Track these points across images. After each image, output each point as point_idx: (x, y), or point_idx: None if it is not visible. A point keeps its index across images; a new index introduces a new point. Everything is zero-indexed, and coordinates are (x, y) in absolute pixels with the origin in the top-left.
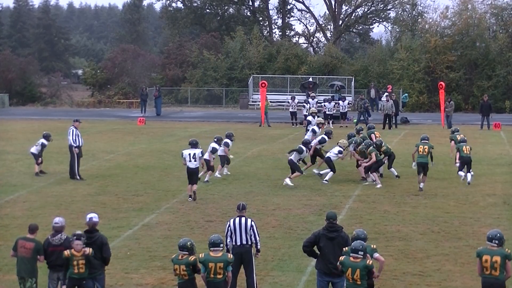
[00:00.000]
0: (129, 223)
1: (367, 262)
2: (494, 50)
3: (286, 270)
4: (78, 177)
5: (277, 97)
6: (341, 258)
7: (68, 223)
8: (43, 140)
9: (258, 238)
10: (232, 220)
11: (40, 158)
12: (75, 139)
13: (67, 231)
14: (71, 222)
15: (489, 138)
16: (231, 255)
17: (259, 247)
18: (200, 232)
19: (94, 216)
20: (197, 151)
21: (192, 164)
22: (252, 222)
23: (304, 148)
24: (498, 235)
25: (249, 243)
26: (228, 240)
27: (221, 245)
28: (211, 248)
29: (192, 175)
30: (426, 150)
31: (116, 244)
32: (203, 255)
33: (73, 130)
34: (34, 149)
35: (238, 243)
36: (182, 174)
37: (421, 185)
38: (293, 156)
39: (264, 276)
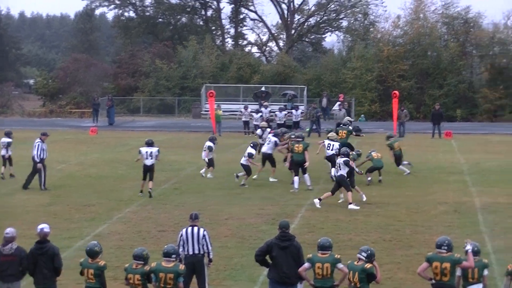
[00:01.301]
0: (81, 234)
1: (366, 266)
2: (445, 59)
3: (239, 280)
4: (44, 188)
5: (230, 106)
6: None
7: (19, 234)
8: (5, 139)
9: (210, 248)
10: (184, 230)
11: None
12: (40, 153)
13: (18, 241)
14: (22, 233)
15: (440, 147)
16: (183, 266)
17: (211, 256)
18: (152, 242)
19: (45, 226)
20: (154, 149)
21: (148, 162)
22: (205, 232)
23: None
24: (447, 241)
25: (202, 252)
26: (180, 250)
27: (173, 256)
28: (163, 258)
29: (148, 172)
30: (380, 154)
31: (68, 254)
32: (155, 264)
33: (39, 144)
34: (3, 152)
35: (191, 253)
36: (134, 184)
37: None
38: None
39: (216, 285)
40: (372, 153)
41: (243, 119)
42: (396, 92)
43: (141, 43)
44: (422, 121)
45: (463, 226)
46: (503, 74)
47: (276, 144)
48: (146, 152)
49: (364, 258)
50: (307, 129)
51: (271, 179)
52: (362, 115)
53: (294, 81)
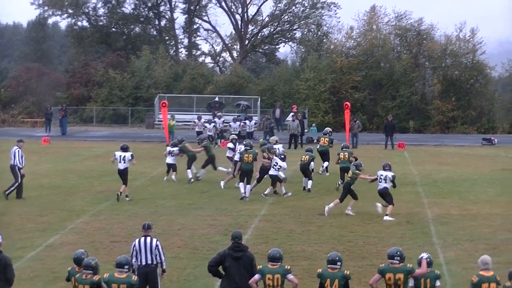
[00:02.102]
0: (33, 244)
1: (345, 272)
2: (398, 71)
3: None
4: (6, 195)
5: (183, 116)
6: (319, 270)
7: None
8: None
9: (163, 258)
10: (137, 240)
11: None
12: (20, 160)
13: None
14: None
15: (393, 158)
16: (136, 277)
17: (164, 267)
18: (105, 253)
19: None
20: (127, 154)
21: (121, 166)
22: (158, 242)
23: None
24: (399, 252)
25: (155, 263)
26: (133, 260)
27: (126, 266)
28: (116, 269)
29: (121, 176)
30: (347, 156)
31: (19, 265)
32: (107, 275)
33: (18, 150)
34: None
35: (144, 263)
36: (86, 194)
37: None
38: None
39: None
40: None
41: (197, 129)
42: (348, 103)
43: (94, 52)
44: (375, 132)
45: (415, 237)
46: (455, 86)
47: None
48: (120, 156)
49: (339, 266)
50: (261, 140)
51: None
52: (313, 124)
53: (248, 92)
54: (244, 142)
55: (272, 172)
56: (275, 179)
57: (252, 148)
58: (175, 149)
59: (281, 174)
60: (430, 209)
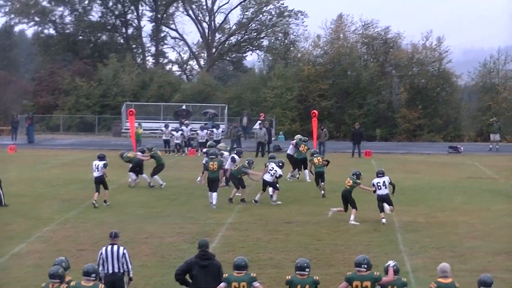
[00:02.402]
0: None
1: (315, 277)
2: (365, 79)
3: None
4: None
5: (150, 124)
6: (288, 277)
7: None
8: None
9: (130, 266)
10: (104, 248)
11: None
12: None
13: None
14: None
15: (360, 166)
16: (103, 285)
17: (131, 275)
18: (72, 261)
19: None
20: (101, 163)
21: (96, 174)
22: (125, 250)
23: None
24: (366, 260)
25: (121, 271)
26: (100, 269)
27: (93, 275)
28: (83, 277)
29: (98, 184)
30: (321, 160)
31: None
32: (74, 283)
33: None
34: None
35: (110, 271)
36: (53, 203)
37: (322, 192)
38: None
39: None
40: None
41: (164, 137)
42: (315, 111)
43: (61, 60)
44: (342, 141)
45: (382, 245)
46: (421, 94)
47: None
48: (95, 164)
49: (308, 272)
50: (228, 148)
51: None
52: (281, 132)
53: (215, 100)
54: (209, 151)
55: (267, 177)
56: (267, 184)
57: (218, 157)
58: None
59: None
60: (397, 217)
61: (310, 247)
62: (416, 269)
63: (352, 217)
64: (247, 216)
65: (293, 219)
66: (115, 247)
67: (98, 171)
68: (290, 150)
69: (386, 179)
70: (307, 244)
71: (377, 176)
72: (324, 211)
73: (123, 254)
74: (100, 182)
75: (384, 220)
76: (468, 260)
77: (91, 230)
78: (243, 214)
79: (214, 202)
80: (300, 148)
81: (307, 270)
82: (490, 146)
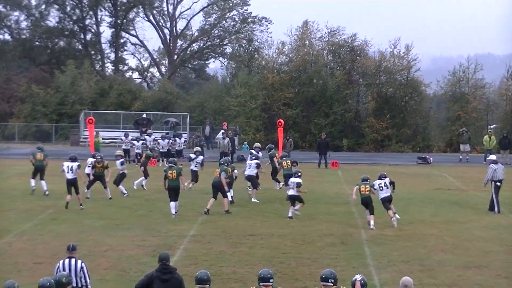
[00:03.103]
0: None
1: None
2: (331, 87)
3: None
4: None
5: (110, 133)
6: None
7: None
8: None
9: (88, 281)
10: (61, 262)
11: None
12: None
13: None
14: None
15: (326, 177)
16: None
17: None
18: (28, 275)
19: None
20: (74, 164)
21: (70, 175)
22: (83, 264)
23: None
24: (332, 274)
25: (79, 285)
26: None
27: None
28: None
29: (69, 186)
30: (289, 163)
31: None
32: None
33: None
34: None
35: None
36: (10, 214)
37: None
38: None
39: None
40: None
41: (124, 147)
42: (281, 120)
43: (16, 67)
44: (308, 151)
45: (349, 259)
46: (389, 103)
47: (258, 166)
48: (68, 166)
49: (272, 283)
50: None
51: (253, 200)
52: (245, 142)
53: (177, 108)
54: (169, 160)
55: (291, 192)
56: (295, 199)
57: (176, 165)
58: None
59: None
60: (365, 230)
61: (275, 261)
62: (384, 283)
63: (372, 223)
64: (210, 228)
65: (257, 231)
66: (73, 260)
67: (72, 172)
68: (250, 171)
69: (387, 180)
70: (271, 257)
71: (380, 178)
72: (290, 223)
73: (81, 267)
74: (73, 184)
75: (395, 223)
76: (437, 274)
77: (49, 242)
78: (205, 226)
79: (173, 212)
80: (284, 164)
81: (271, 280)
82: (460, 156)
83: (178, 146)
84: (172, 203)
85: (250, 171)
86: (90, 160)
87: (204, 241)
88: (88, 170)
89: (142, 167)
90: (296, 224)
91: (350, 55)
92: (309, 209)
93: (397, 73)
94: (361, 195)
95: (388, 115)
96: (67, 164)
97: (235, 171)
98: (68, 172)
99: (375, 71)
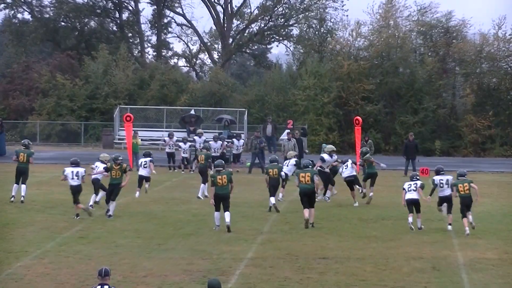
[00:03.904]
0: None
1: None
2: (421, 78)
3: None
4: None
5: (150, 133)
6: None
7: None
8: None
9: None
10: None
11: None
12: None
13: None
14: None
15: None
16: None
17: None
18: None
19: None
20: (81, 170)
21: (75, 182)
22: None
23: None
24: None
25: None
26: None
27: None
28: None
29: (76, 194)
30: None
31: None
32: None
33: None
34: None
35: None
36: (28, 231)
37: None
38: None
39: None
40: None
41: (167, 150)
42: (359, 118)
43: (38, 52)
44: (392, 155)
45: (443, 287)
46: (492, 97)
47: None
48: (72, 172)
49: None
50: (248, 164)
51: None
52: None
53: (232, 103)
54: (215, 163)
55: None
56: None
57: (225, 168)
58: (148, 159)
59: None
60: (462, 252)
61: None
62: None
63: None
64: (272, 249)
65: (330, 253)
66: None
67: (78, 178)
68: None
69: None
70: (347, 285)
71: (439, 174)
72: (370, 243)
73: None
74: (79, 192)
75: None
76: None
77: (75, 266)
78: (267, 247)
79: (217, 223)
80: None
81: None
82: None
83: (236, 149)
84: (218, 215)
85: (350, 172)
86: (98, 164)
87: (265, 265)
88: (98, 176)
89: (200, 171)
90: (377, 245)
91: (444, 38)
92: (393, 227)
93: (502, 60)
94: (459, 195)
95: (491, 111)
96: (70, 170)
97: (282, 172)
98: (73, 178)
99: (475, 57)
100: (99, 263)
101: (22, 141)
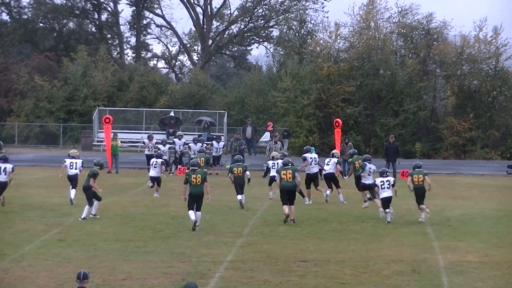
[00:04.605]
0: None
1: None
2: (401, 80)
3: None
4: None
5: (129, 135)
6: None
7: None
8: None
9: None
10: None
11: None
12: None
13: None
14: None
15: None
16: None
17: None
18: None
19: None
20: (79, 161)
21: (72, 172)
22: None
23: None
24: None
25: None
26: None
27: None
28: None
29: (74, 182)
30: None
31: None
32: None
33: None
34: None
35: None
36: (6, 233)
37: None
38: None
39: None
40: None
41: (147, 152)
42: (339, 120)
43: (16, 54)
44: (373, 157)
45: None
46: (473, 99)
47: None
48: (70, 162)
49: None
50: (227, 166)
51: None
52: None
53: (212, 105)
54: (191, 161)
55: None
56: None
57: (200, 167)
58: (159, 160)
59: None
60: (442, 255)
61: None
62: None
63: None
64: (252, 252)
65: (309, 256)
66: None
67: (76, 169)
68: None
69: (390, 179)
70: None
71: (381, 176)
72: (349, 246)
73: None
74: (75, 181)
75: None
76: None
77: (54, 269)
78: (246, 249)
79: (193, 219)
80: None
81: None
82: None
83: (216, 152)
84: (192, 213)
85: (330, 168)
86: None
87: (244, 268)
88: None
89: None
90: (357, 247)
91: (425, 40)
92: (373, 229)
93: (483, 62)
94: (414, 186)
95: (471, 113)
96: (70, 161)
97: (247, 172)
98: (71, 168)
99: (456, 59)
100: (78, 266)
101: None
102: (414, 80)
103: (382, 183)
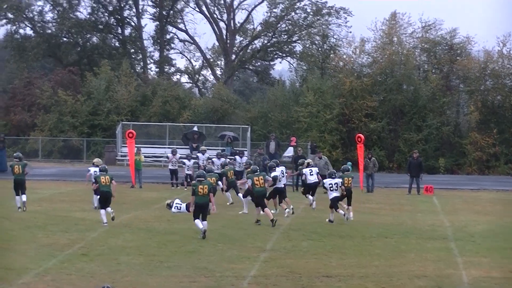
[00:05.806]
0: None
1: None
2: (425, 95)
3: None
4: None
5: (152, 150)
6: None
7: None
8: None
9: None
10: None
11: None
12: None
13: None
14: None
15: (418, 205)
16: None
17: None
18: None
19: None
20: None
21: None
22: None
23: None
24: None
25: None
26: None
27: None
28: None
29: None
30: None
31: None
32: None
33: None
34: None
35: None
36: (29, 247)
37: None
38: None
39: None
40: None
41: (170, 167)
42: (361, 135)
43: (40, 68)
44: (396, 173)
45: None
46: (497, 114)
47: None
48: (94, 172)
49: None
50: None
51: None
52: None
53: (235, 120)
54: (197, 173)
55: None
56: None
57: (206, 178)
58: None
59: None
60: (466, 271)
61: None
62: None
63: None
64: (275, 267)
65: (333, 271)
66: None
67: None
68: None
69: (338, 181)
70: None
71: (330, 177)
72: (373, 261)
73: None
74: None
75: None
76: None
77: (77, 284)
78: (269, 264)
79: (201, 227)
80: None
81: None
82: None
83: (238, 167)
84: (198, 222)
85: (314, 179)
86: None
87: (268, 283)
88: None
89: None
90: (380, 263)
91: (448, 55)
92: (396, 245)
93: (507, 77)
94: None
95: (495, 129)
96: (94, 169)
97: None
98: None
99: (479, 74)
100: (101, 281)
101: (15, 154)
102: (437, 95)
103: (330, 185)
